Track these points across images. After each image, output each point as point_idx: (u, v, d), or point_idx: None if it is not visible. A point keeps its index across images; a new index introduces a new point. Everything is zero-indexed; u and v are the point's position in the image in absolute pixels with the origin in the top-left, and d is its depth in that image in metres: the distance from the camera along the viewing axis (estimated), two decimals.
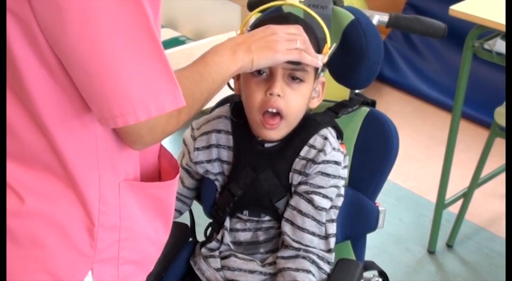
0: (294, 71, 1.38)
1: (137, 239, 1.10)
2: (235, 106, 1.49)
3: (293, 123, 1.44)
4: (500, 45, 2.20)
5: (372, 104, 1.56)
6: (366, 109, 1.54)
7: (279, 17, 1.42)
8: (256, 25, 1.38)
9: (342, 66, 1.49)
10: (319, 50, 1.38)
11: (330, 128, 1.48)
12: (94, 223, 1.03)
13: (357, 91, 1.60)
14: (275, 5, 1.47)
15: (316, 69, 1.41)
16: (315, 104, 1.47)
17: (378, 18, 1.63)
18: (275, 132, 1.43)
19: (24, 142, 1.00)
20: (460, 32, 2.52)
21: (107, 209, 1.04)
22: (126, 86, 0.93)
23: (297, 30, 1.30)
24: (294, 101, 1.40)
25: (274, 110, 1.39)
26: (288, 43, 1.27)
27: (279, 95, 1.37)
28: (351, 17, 1.48)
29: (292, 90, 1.39)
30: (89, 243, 1.04)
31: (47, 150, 1.00)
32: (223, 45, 1.22)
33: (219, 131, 1.50)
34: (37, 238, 1.01)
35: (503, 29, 2.08)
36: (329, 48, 1.40)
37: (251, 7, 1.72)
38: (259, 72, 1.38)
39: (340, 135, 1.51)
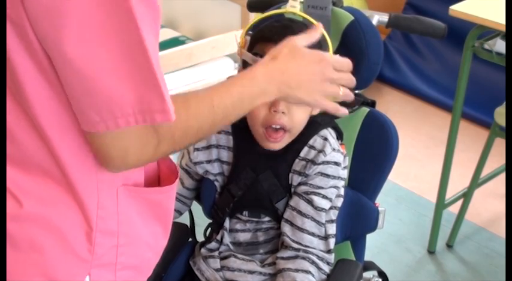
0: None
1: (135, 245, 1.09)
2: None
3: (296, 134, 1.44)
4: (500, 45, 2.19)
5: (372, 104, 1.56)
6: (365, 109, 1.54)
7: (283, 27, 1.37)
8: (257, 26, 1.38)
9: None
10: None
11: (329, 129, 1.48)
12: (92, 228, 1.03)
13: (356, 91, 1.59)
14: (276, 13, 1.46)
15: None
16: (316, 111, 1.46)
17: (378, 18, 1.63)
18: (278, 144, 1.43)
19: (23, 146, 0.99)
20: (460, 32, 2.52)
21: (105, 214, 1.04)
22: (126, 88, 0.92)
23: (348, 66, 1.18)
24: (298, 117, 1.40)
25: (278, 126, 1.39)
26: (331, 90, 1.15)
27: (283, 112, 1.37)
28: (351, 17, 1.48)
29: (297, 106, 1.38)
30: (86, 248, 1.03)
31: (46, 155, 0.99)
32: (261, 73, 1.09)
33: (219, 132, 1.49)
34: (35, 242, 1.00)
35: (503, 29, 2.07)
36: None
37: (251, 7, 1.72)
38: None
39: (340, 136, 1.50)
